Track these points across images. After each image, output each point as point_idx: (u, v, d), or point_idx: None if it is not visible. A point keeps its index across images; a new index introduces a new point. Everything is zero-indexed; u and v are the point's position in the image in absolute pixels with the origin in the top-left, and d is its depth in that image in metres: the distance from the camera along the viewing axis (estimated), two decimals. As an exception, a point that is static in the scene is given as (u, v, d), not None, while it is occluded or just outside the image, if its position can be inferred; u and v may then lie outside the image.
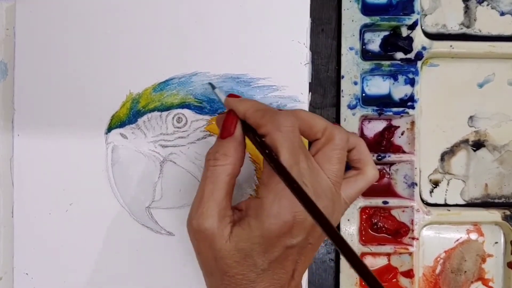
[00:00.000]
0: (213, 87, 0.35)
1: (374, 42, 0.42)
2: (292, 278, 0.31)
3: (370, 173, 0.33)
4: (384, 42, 0.41)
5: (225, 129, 0.32)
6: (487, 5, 0.43)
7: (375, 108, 0.41)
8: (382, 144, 0.41)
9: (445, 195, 0.43)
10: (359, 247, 0.41)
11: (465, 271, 0.43)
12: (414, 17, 0.41)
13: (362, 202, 0.41)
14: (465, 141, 0.43)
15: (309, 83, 0.40)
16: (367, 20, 0.41)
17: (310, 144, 0.32)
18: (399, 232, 0.41)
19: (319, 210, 0.26)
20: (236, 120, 0.32)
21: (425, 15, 0.43)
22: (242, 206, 0.31)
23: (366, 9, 0.41)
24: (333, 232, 0.25)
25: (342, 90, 0.41)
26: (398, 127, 0.42)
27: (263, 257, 0.29)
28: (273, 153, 0.29)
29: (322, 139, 0.32)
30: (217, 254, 0.30)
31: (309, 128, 0.32)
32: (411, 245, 0.41)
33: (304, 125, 0.31)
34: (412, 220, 0.41)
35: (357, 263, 0.24)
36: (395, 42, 0.41)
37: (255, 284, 0.30)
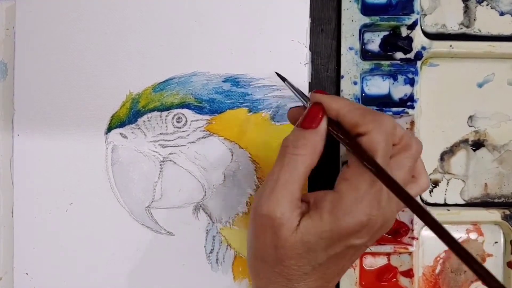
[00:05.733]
0: (283, 79, 0.35)
1: (374, 42, 0.42)
2: (337, 275, 0.32)
3: (424, 182, 0.34)
4: (384, 42, 0.42)
5: (309, 120, 0.31)
6: (487, 5, 0.43)
7: (374, 108, 0.41)
8: (381, 144, 0.41)
9: (445, 194, 0.43)
10: (359, 246, 0.41)
11: (465, 271, 0.43)
12: (413, 17, 0.41)
13: (362, 202, 0.41)
14: (465, 141, 0.43)
15: (309, 83, 0.40)
16: (366, 20, 0.41)
17: None
18: (398, 232, 0.41)
19: (419, 205, 0.27)
20: (323, 113, 0.31)
21: (425, 15, 0.43)
22: (309, 198, 0.31)
23: (366, 9, 0.41)
24: (436, 224, 0.27)
25: (341, 90, 0.41)
26: (398, 127, 0.42)
27: (324, 252, 0.30)
28: (368, 154, 0.29)
29: (398, 146, 0.31)
30: (279, 243, 0.29)
31: None
32: (411, 245, 0.41)
33: None
34: (412, 220, 0.41)
35: (462, 251, 0.25)
36: (395, 42, 0.41)
37: (307, 277, 0.30)
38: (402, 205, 0.32)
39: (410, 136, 0.32)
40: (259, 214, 0.30)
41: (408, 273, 0.41)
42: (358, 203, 0.29)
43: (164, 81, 0.40)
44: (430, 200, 0.43)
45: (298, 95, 0.34)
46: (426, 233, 0.43)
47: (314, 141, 0.31)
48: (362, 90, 0.41)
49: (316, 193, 0.31)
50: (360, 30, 0.41)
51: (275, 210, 0.29)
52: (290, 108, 0.35)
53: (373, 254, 0.42)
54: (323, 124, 0.31)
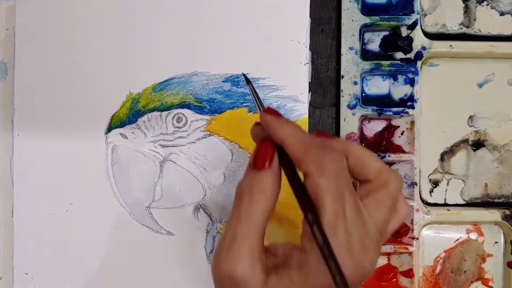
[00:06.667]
0: (248, 81, 0.32)
1: (374, 42, 0.42)
2: None
3: (403, 211, 0.30)
4: (384, 42, 0.42)
5: (259, 160, 0.28)
6: (487, 5, 0.43)
7: (375, 108, 0.41)
8: (382, 144, 0.42)
9: (445, 194, 0.43)
10: (359, 247, 0.41)
11: (465, 271, 0.43)
12: (413, 17, 0.41)
13: (362, 202, 0.41)
14: (465, 141, 0.43)
15: (309, 83, 0.40)
16: (367, 20, 0.41)
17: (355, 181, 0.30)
18: (398, 232, 0.41)
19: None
20: (273, 150, 0.28)
21: (425, 15, 0.43)
22: (278, 251, 0.28)
23: (366, 9, 0.41)
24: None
25: (342, 90, 0.41)
26: (398, 127, 0.42)
27: None
28: (313, 209, 0.26)
29: (375, 183, 0.28)
30: None
31: (360, 167, 0.28)
32: (411, 245, 0.41)
33: (355, 163, 0.28)
34: (412, 220, 0.41)
35: None
36: (395, 42, 0.41)
37: None
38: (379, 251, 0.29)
39: (389, 170, 0.29)
40: (219, 276, 0.27)
41: (408, 273, 0.41)
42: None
43: (164, 81, 0.40)
44: (430, 200, 0.43)
45: (257, 103, 0.31)
46: (426, 233, 0.43)
47: (270, 183, 0.27)
48: (362, 90, 0.41)
49: (284, 246, 0.28)
50: (360, 30, 0.41)
51: (236, 269, 0.26)
52: (254, 125, 0.30)
53: (373, 254, 0.41)
54: (275, 163, 0.28)
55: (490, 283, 0.43)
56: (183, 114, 0.40)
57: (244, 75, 0.34)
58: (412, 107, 0.41)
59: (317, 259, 0.26)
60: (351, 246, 0.26)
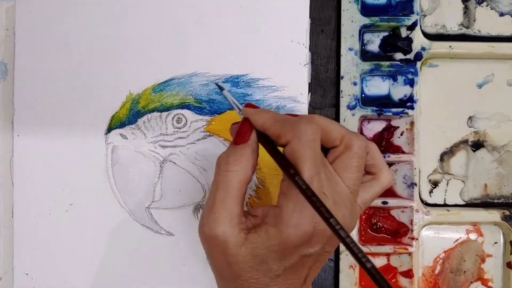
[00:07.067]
0: (221, 88, 0.35)
1: (374, 42, 0.42)
2: (304, 283, 0.31)
3: (385, 178, 0.33)
4: (384, 43, 0.42)
5: (239, 136, 0.31)
6: (487, 5, 0.43)
7: (374, 108, 0.41)
8: (381, 145, 0.42)
9: (445, 195, 0.43)
10: (359, 247, 0.41)
11: (465, 271, 0.43)
12: (413, 18, 0.41)
13: (361, 202, 0.41)
14: (465, 142, 0.43)
15: (309, 83, 0.40)
16: (366, 20, 0.41)
17: (327, 151, 0.32)
18: (398, 232, 0.41)
19: (339, 223, 0.26)
20: (251, 128, 0.31)
21: (425, 15, 0.43)
22: (258, 212, 0.31)
23: (366, 10, 0.41)
24: (355, 247, 0.25)
25: (341, 91, 0.41)
26: (398, 127, 0.42)
27: (278, 263, 0.29)
28: (292, 166, 0.29)
29: (340, 147, 0.31)
30: (230, 259, 0.29)
31: (326, 135, 0.31)
32: (411, 245, 0.41)
33: (321, 132, 0.31)
34: (412, 220, 0.41)
35: (379, 278, 0.24)
36: (395, 42, 0.41)
37: None
38: (358, 206, 0.32)
39: (351, 134, 0.31)
40: (203, 236, 0.30)
41: (408, 274, 0.41)
42: (298, 214, 0.29)
43: (164, 82, 0.40)
44: (430, 200, 0.43)
45: (235, 107, 0.33)
46: (426, 234, 0.43)
47: (245, 154, 0.31)
48: (362, 91, 0.41)
49: (263, 207, 0.31)
50: (360, 31, 0.41)
51: (216, 229, 0.29)
52: (232, 124, 0.34)
53: (373, 254, 0.42)
54: (253, 138, 0.31)
55: (490, 284, 0.43)
56: (183, 114, 0.40)
57: (216, 83, 0.39)
58: (412, 108, 0.41)
59: (290, 212, 0.29)
60: (324, 202, 0.28)
